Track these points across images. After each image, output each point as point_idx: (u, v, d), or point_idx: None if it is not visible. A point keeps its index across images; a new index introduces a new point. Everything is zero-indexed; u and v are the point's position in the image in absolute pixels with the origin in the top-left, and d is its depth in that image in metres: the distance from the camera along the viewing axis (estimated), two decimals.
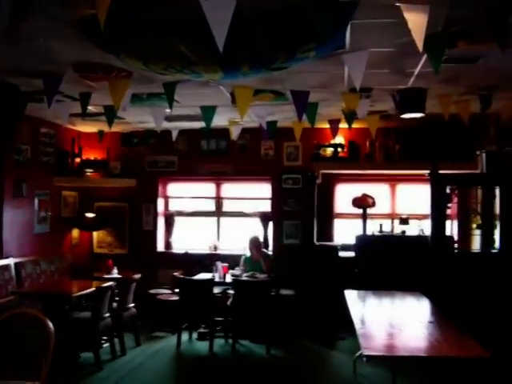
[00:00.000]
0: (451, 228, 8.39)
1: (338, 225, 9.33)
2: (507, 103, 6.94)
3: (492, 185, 7.11)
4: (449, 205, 7.54)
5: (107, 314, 6.53)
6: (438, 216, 6.90)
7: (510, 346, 6.44)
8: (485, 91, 6.22)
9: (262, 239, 8.53)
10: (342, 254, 8.29)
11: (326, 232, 9.12)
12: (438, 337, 4.44)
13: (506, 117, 7.13)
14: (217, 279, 7.56)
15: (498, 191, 6.96)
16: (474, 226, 7.81)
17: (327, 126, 7.52)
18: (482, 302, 6.65)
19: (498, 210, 6.96)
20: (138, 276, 7.32)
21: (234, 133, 7.90)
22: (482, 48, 4.47)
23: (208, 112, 6.47)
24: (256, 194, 9.52)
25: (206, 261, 8.53)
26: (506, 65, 5.14)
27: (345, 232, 9.08)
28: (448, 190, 7.38)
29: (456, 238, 8.23)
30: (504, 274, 6.70)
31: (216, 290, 7.49)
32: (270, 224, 9.07)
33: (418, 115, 6.00)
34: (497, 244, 6.95)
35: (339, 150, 8.67)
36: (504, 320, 6.65)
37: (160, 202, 9.63)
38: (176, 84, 5.35)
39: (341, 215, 9.33)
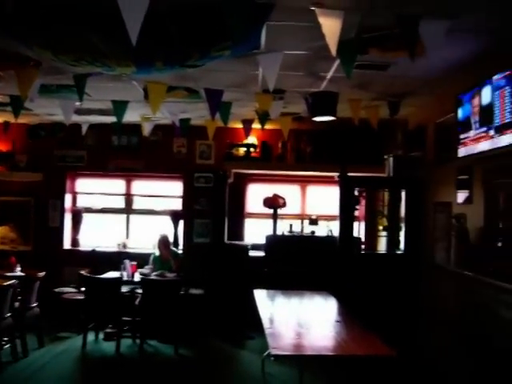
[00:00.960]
0: (359, 229, 8.63)
1: (249, 224, 9.38)
2: (414, 110, 7.22)
3: (398, 188, 7.37)
4: (357, 207, 7.74)
5: (8, 314, 6.22)
6: (346, 217, 7.06)
7: (413, 344, 6.70)
8: (394, 98, 6.44)
9: (172, 238, 8.43)
10: (252, 253, 8.32)
11: (237, 231, 9.14)
12: (344, 336, 4.53)
13: (412, 123, 7.41)
14: (125, 278, 7.39)
15: (403, 194, 7.22)
16: (381, 227, 8.08)
17: (240, 125, 7.54)
18: (387, 301, 6.88)
19: (403, 213, 7.22)
20: (42, 274, 7.01)
21: (146, 129, 7.77)
22: (393, 56, 4.61)
23: (120, 107, 6.30)
24: (167, 192, 9.39)
25: (115, 259, 8.32)
26: (414, 73, 5.35)
27: (255, 232, 9.13)
28: (356, 192, 7.58)
29: (363, 238, 8.48)
30: (408, 274, 6.96)
31: (124, 289, 7.30)
32: (181, 222, 8.97)
33: (329, 118, 6.12)
34: (402, 245, 7.21)
35: (252, 149, 8.71)
36: (408, 319, 6.91)
37: (67, 198, 9.30)
38: (87, 76, 5.18)
39: (252, 215, 9.38)
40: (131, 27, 2.87)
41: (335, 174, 7.18)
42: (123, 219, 9.43)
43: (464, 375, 5.03)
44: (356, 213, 7.68)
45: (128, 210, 9.44)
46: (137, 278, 7.42)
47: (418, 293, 6.91)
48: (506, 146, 4.36)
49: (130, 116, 7.18)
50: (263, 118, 6.53)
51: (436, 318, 6.25)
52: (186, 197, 9.13)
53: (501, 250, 4.62)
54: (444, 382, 5.45)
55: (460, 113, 5.31)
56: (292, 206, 9.12)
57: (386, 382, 5.86)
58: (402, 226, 7.22)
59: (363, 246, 8.21)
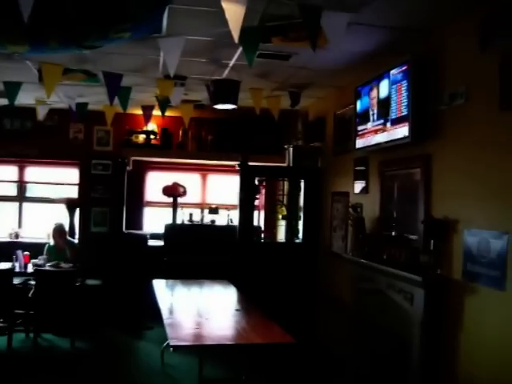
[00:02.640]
0: (259, 218, 8.69)
1: (148, 213, 9.22)
2: (314, 101, 7.35)
3: (297, 178, 7.48)
4: (257, 196, 7.79)
5: None
6: (246, 206, 7.08)
7: (312, 330, 6.86)
8: (295, 88, 6.51)
9: (67, 227, 8.10)
10: (151, 242, 8.19)
11: (136, 220, 8.96)
12: (244, 324, 4.53)
13: (313, 114, 7.53)
14: (17, 269, 7.01)
15: (302, 184, 7.34)
16: (280, 216, 8.17)
17: (140, 111, 7.33)
18: (287, 289, 6.98)
19: (302, 202, 7.34)
20: None
21: (41, 113, 7.37)
22: (295, 46, 4.63)
23: (12, 88, 5.94)
24: (63, 180, 9.01)
25: (6, 249, 7.87)
26: (315, 64, 5.42)
27: (155, 221, 8.98)
28: (256, 182, 7.61)
29: (263, 227, 8.56)
30: (306, 263, 7.10)
31: (16, 280, 6.93)
32: (77, 211, 8.64)
33: (231, 107, 6.08)
34: (300, 234, 7.33)
35: (152, 137, 8.54)
36: (307, 306, 7.06)
37: None
38: None
39: (151, 203, 9.23)
40: (23, 2, 2.69)
41: (236, 163, 7.17)
42: (15, 207, 8.95)
43: (361, 360, 5.19)
44: (256, 202, 7.71)
45: (21, 197, 8.96)
46: (30, 269, 7.07)
47: (316, 281, 7.07)
48: (401, 139, 4.51)
49: (24, 98, 6.79)
50: (164, 104, 6.38)
51: (333, 305, 6.42)
52: (83, 184, 8.81)
53: (394, 239, 4.78)
54: (342, 367, 5.59)
55: (359, 105, 5.44)
56: (192, 195, 9.05)
57: (287, 368, 5.96)
58: (301, 215, 7.34)
59: (263, 235, 8.28)
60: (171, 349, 3.98)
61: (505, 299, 3.41)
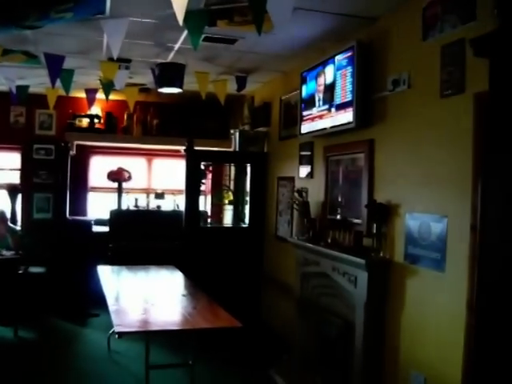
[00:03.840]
0: (205, 203, 8.68)
1: (93, 199, 9.06)
2: (261, 86, 7.35)
3: (243, 162, 7.49)
4: (203, 181, 7.76)
5: None
6: (192, 191, 7.04)
7: (259, 314, 6.91)
8: (241, 73, 6.49)
9: (9, 213, 7.87)
10: (96, 228, 8.06)
11: (80, 206, 8.80)
12: (190, 309, 4.53)
13: (258, 99, 7.54)
14: None
15: (248, 169, 7.35)
16: (227, 201, 8.18)
17: (83, 95, 7.17)
18: (234, 274, 7.01)
19: (248, 187, 7.35)
20: None
21: None
22: (241, 30, 4.62)
23: None
24: (3, 165, 8.73)
25: None
26: (261, 49, 5.41)
27: (100, 206, 8.84)
28: (203, 166, 7.58)
29: (210, 212, 8.54)
30: (253, 247, 7.13)
31: None
32: (19, 197, 8.40)
33: (176, 91, 6.02)
34: (246, 219, 7.35)
35: (96, 121, 8.39)
36: (253, 290, 7.10)
37: None
38: None
39: (96, 189, 9.07)
40: None
41: (182, 148, 7.12)
42: None
43: (307, 342, 5.27)
44: (202, 187, 7.69)
45: None
46: None
47: (262, 264, 7.13)
48: (346, 124, 4.57)
49: None
50: (108, 87, 6.26)
51: (279, 288, 6.49)
52: (25, 170, 8.57)
53: (339, 223, 4.85)
54: (288, 349, 5.66)
55: (304, 90, 5.47)
56: (138, 180, 8.95)
57: (234, 351, 6.00)
58: (248, 199, 7.36)
59: (210, 220, 8.27)
60: (117, 335, 3.95)
61: (444, 280, 3.52)
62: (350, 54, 4.52)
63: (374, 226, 4.19)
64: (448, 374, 3.44)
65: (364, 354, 4.18)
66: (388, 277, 4.15)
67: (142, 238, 7.58)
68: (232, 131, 7.63)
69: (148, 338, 4.66)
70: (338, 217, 4.98)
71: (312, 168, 5.66)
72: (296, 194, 5.67)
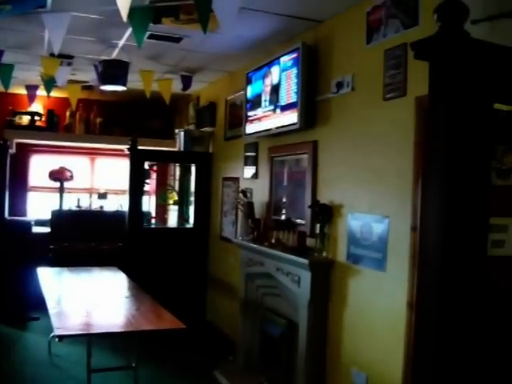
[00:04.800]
0: (150, 203, 8.58)
1: (34, 199, 8.82)
2: (206, 86, 7.32)
3: (188, 163, 7.44)
4: (147, 181, 7.67)
5: None
6: (135, 191, 6.94)
7: (204, 315, 6.88)
8: (186, 72, 6.45)
9: None
10: (36, 229, 7.84)
11: (20, 206, 8.54)
12: (133, 311, 4.46)
13: (204, 99, 7.50)
14: None
15: (193, 169, 7.31)
16: (171, 201, 8.11)
17: (24, 91, 6.98)
18: (178, 275, 6.95)
19: (193, 187, 7.31)
20: None
21: None
22: (186, 28, 4.58)
23: None
24: None
25: None
26: (207, 48, 5.39)
27: (41, 206, 8.61)
28: (147, 166, 7.49)
29: (154, 213, 8.46)
30: (197, 248, 7.09)
31: None
32: None
33: (119, 88, 5.92)
34: (191, 219, 7.31)
35: (36, 118, 8.17)
36: (198, 291, 7.06)
37: None
38: None
39: (36, 188, 8.83)
40: None
41: (125, 147, 7.01)
42: None
43: (251, 342, 5.27)
44: (147, 187, 7.60)
45: None
46: None
47: (207, 265, 7.10)
48: (290, 125, 4.59)
49: None
50: (49, 84, 6.10)
51: (224, 289, 6.47)
52: None
53: (283, 223, 4.87)
54: (233, 349, 5.65)
55: (249, 90, 5.48)
56: (80, 180, 8.77)
57: (179, 353, 5.95)
58: (193, 200, 7.32)
59: (154, 221, 8.18)
60: (57, 339, 3.85)
61: (385, 280, 3.58)
62: (295, 55, 4.55)
63: (318, 226, 4.23)
64: (389, 371, 3.50)
65: (307, 353, 4.21)
66: (331, 276, 4.19)
67: (84, 238, 7.44)
68: (177, 131, 7.57)
69: (90, 340, 4.57)
70: (283, 217, 5.01)
71: (257, 169, 5.68)
72: (241, 195, 5.67)
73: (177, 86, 6.60)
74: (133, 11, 3.50)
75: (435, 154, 1.67)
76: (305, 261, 4.11)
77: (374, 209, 3.72)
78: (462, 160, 1.64)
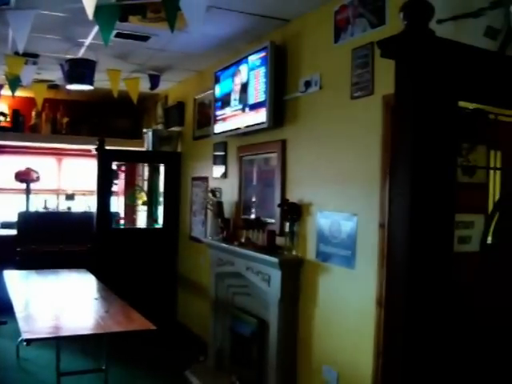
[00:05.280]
0: (118, 204, 8.50)
1: None
2: (175, 85, 7.28)
3: (157, 162, 7.39)
4: (116, 181, 7.60)
5: None
6: (103, 192, 6.86)
7: (174, 314, 6.84)
8: (154, 71, 6.40)
9: None
10: (2, 232, 7.71)
11: None
12: (102, 313, 4.41)
13: (172, 98, 7.46)
14: None
15: (162, 169, 7.27)
16: (140, 202, 8.05)
17: None
18: (148, 276, 6.89)
19: (162, 187, 7.27)
20: None
21: None
22: (153, 27, 4.54)
23: None
24: None
25: None
26: (175, 47, 5.36)
27: (7, 208, 8.45)
28: (115, 167, 7.42)
29: (123, 214, 8.38)
30: (167, 249, 7.05)
31: None
32: None
33: (86, 88, 5.85)
34: (160, 220, 7.26)
35: (1, 119, 8.04)
36: (168, 292, 7.02)
37: None
38: None
39: (2, 190, 8.67)
40: None
41: (93, 147, 6.93)
42: None
43: (222, 342, 5.26)
44: (115, 187, 7.52)
45: None
46: None
47: (177, 266, 7.06)
48: (259, 124, 4.59)
49: None
50: (14, 83, 5.98)
51: (194, 289, 6.45)
52: None
53: (252, 222, 4.87)
54: (205, 351, 5.63)
55: (218, 90, 5.46)
56: (47, 181, 8.64)
57: (150, 354, 5.91)
58: (161, 200, 7.27)
59: (123, 221, 8.11)
60: (25, 343, 3.78)
61: (354, 277, 3.61)
62: (263, 54, 4.55)
63: (287, 225, 4.24)
64: (360, 368, 3.53)
65: (278, 351, 4.22)
66: (301, 275, 4.21)
67: (51, 240, 7.33)
68: (145, 130, 7.51)
69: (58, 344, 4.51)
70: (252, 216, 5.01)
71: (226, 168, 5.67)
72: (210, 194, 5.66)
73: (145, 85, 6.54)
74: (99, 9, 3.46)
75: (401, 151, 1.69)
76: (275, 259, 4.11)
77: (343, 207, 3.74)
78: (428, 157, 1.66)
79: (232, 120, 5.10)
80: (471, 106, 1.96)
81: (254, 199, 5.11)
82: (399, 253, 1.69)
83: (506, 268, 2.26)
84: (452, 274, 1.82)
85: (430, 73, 1.66)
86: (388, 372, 1.83)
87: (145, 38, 5.10)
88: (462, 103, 1.88)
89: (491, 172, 2.14)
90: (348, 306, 3.69)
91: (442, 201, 1.72)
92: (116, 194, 8.24)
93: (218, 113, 5.41)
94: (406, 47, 1.66)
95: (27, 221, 7.51)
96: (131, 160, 8.02)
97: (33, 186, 8.16)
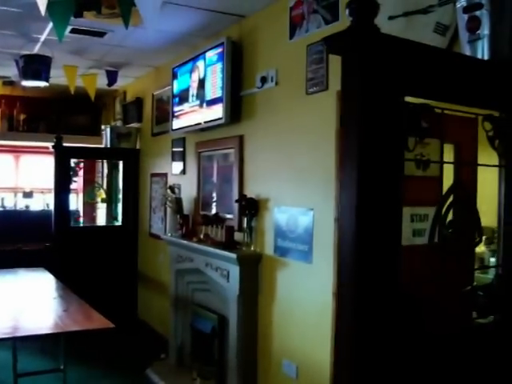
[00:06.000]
0: (77, 202, 8.39)
1: None
2: (133, 81, 7.22)
3: (116, 159, 7.32)
4: (74, 178, 7.49)
5: None
6: (61, 189, 6.77)
7: (135, 312, 6.80)
8: (111, 67, 6.34)
9: None
10: None
11: None
12: (61, 312, 4.35)
13: (131, 94, 7.40)
14: None
15: (121, 166, 7.20)
16: (99, 199, 7.96)
17: None
18: (108, 274, 6.82)
19: (121, 184, 7.20)
20: None
21: None
22: (109, 23, 4.50)
23: None
24: None
25: None
26: (132, 43, 5.32)
27: None
28: (73, 164, 7.32)
29: (82, 211, 8.27)
30: (127, 246, 6.99)
31: None
32: None
33: (42, 84, 5.74)
34: (120, 217, 7.20)
35: None
36: (128, 289, 6.96)
37: None
38: None
39: None
40: None
41: (50, 144, 6.82)
42: None
43: (183, 338, 5.26)
44: (73, 185, 7.42)
45: None
46: None
47: (137, 263, 7.02)
48: (216, 120, 4.60)
49: None
50: None
51: (155, 286, 6.42)
52: None
53: (211, 218, 4.87)
54: (166, 348, 5.60)
55: (176, 85, 5.44)
56: (4, 179, 8.47)
57: (110, 353, 5.86)
58: (120, 197, 7.21)
59: (82, 219, 8.01)
60: None
61: (312, 271, 3.65)
62: (220, 50, 4.55)
63: (245, 220, 4.26)
64: (319, 360, 3.57)
65: (238, 346, 4.24)
66: (259, 270, 4.23)
67: (9, 239, 7.21)
68: (103, 127, 7.43)
69: (15, 344, 4.44)
70: (211, 212, 5.01)
71: (184, 164, 5.65)
72: (168, 191, 5.64)
73: (102, 82, 6.48)
74: (52, 4, 3.41)
75: (347, 146, 1.71)
76: (233, 255, 4.13)
77: (300, 201, 3.77)
78: (373, 151, 1.69)
79: (190, 116, 5.09)
80: (422, 101, 2.00)
81: (213, 195, 5.12)
82: (347, 246, 1.72)
83: (453, 259, 2.32)
84: (400, 266, 1.86)
85: (375, 69, 1.69)
86: (340, 364, 1.87)
87: (101, 34, 5.04)
88: (411, 99, 1.92)
89: (445, 165, 2.19)
90: (306, 300, 3.73)
91: (388, 194, 1.75)
92: (75, 191, 8.13)
93: (176, 109, 5.39)
94: (351, 43, 1.69)
95: None
96: (89, 157, 7.91)
97: None
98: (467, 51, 2.28)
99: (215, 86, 4.60)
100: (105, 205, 7.83)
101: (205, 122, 4.81)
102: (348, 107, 1.73)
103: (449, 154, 2.47)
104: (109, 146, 7.05)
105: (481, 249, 4.01)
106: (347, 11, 1.73)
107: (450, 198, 2.17)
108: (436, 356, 2.01)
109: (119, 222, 7.25)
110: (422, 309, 2.01)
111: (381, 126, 1.71)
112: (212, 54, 4.67)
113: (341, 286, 1.80)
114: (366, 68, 1.68)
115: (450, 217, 2.21)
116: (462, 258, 2.49)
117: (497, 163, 2.31)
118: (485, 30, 2.21)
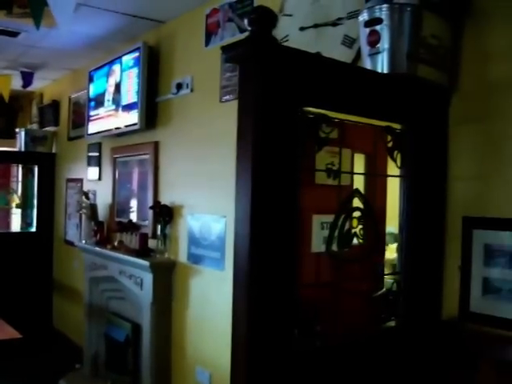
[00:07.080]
0: None
1: None
2: (50, 83, 7.03)
3: (31, 163, 7.09)
4: None
5: None
6: None
7: (50, 321, 6.58)
8: (27, 68, 6.15)
9: None
10: None
11: None
12: None
13: (47, 97, 7.20)
14: None
15: (36, 170, 6.99)
16: (14, 205, 7.68)
17: None
18: (21, 282, 6.57)
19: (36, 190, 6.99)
20: None
21: None
22: (20, 23, 4.37)
23: None
24: None
25: None
26: (47, 44, 5.19)
27: None
28: None
29: None
30: (41, 253, 6.77)
31: None
32: None
33: None
34: (34, 223, 6.98)
35: None
36: (43, 298, 6.75)
37: None
38: None
39: None
40: None
41: None
42: None
43: (97, 346, 5.13)
44: None
45: None
46: None
47: (51, 271, 6.81)
48: (131, 125, 4.54)
49: None
50: None
51: (69, 294, 6.26)
52: None
53: (126, 225, 4.79)
54: (81, 358, 5.45)
55: (92, 89, 5.34)
56: None
57: (22, 364, 5.62)
58: (36, 203, 6.99)
59: None
60: None
61: (224, 278, 3.65)
62: (136, 54, 4.50)
63: (159, 227, 4.22)
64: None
65: (152, 354, 4.18)
66: (173, 277, 4.20)
67: None
68: (17, 130, 7.18)
69: None
70: (126, 219, 4.93)
71: (100, 169, 5.55)
72: (83, 197, 5.51)
73: (18, 83, 6.28)
74: None
75: (241, 154, 1.72)
76: (146, 263, 4.08)
77: (212, 209, 3.77)
78: (267, 160, 1.70)
79: (106, 120, 5.01)
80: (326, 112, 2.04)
81: (128, 202, 5.04)
82: (242, 254, 1.73)
83: (356, 266, 2.38)
84: (298, 274, 1.88)
85: (272, 79, 1.70)
86: (234, 366, 1.88)
87: (14, 34, 4.90)
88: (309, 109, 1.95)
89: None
90: (219, 307, 3.72)
91: (283, 202, 1.77)
92: None
93: (92, 113, 5.29)
94: (248, 53, 1.70)
95: None
96: (2, 161, 7.62)
97: None
98: (368, 64, 2.34)
99: (131, 91, 4.54)
100: (19, 210, 7.56)
101: (120, 128, 4.73)
102: (243, 116, 1.74)
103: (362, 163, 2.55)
104: (23, 149, 6.82)
105: (392, 255, 4.12)
106: (246, 21, 1.74)
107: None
108: (336, 362, 2.05)
109: (33, 229, 7.01)
110: (317, 314, 2.05)
111: (275, 136, 1.73)
112: (128, 59, 4.62)
113: (234, 294, 1.80)
114: (262, 78, 1.69)
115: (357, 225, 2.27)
116: (367, 265, 2.56)
117: None
118: (385, 44, 2.28)
